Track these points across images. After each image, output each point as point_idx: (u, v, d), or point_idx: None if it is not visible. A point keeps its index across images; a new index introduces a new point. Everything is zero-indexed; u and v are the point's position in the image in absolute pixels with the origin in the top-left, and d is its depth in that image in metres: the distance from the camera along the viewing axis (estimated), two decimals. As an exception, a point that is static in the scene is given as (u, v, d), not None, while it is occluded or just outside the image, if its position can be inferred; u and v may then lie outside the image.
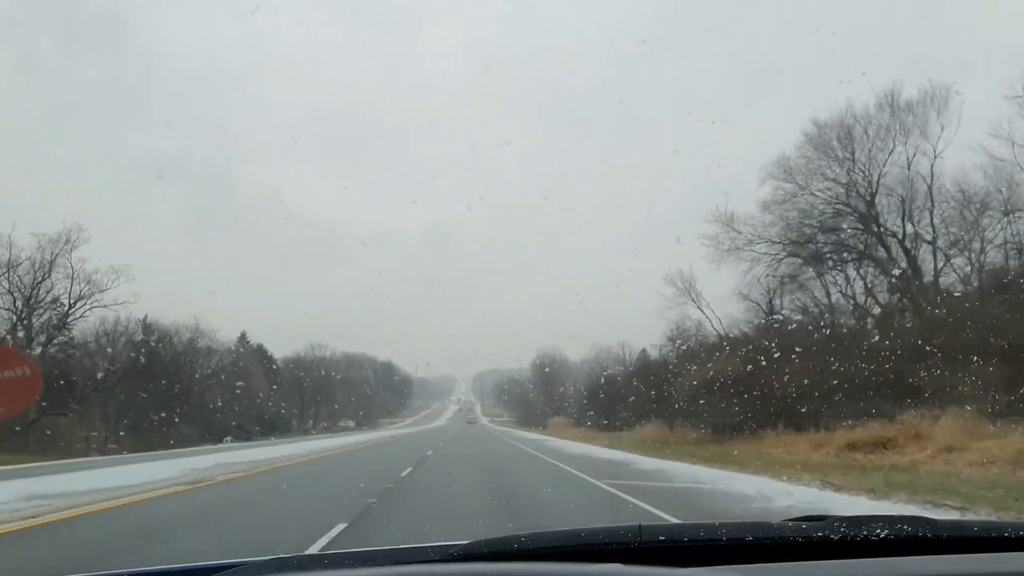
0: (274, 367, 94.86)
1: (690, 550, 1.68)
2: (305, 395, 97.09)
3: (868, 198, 34.99)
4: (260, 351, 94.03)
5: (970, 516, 9.86)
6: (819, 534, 1.71)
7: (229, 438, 59.27)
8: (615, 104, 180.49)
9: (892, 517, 1.79)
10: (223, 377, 70.44)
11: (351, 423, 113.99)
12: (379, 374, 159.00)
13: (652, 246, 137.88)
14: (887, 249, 34.82)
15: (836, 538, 1.70)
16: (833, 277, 37.32)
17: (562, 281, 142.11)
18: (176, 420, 44.03)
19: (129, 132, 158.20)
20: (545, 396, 79.26)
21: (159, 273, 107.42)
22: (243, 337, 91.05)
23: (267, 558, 1.71)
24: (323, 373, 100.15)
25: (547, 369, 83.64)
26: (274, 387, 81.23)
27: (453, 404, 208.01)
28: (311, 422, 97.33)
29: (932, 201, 33.46)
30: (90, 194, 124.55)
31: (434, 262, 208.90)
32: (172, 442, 41.35)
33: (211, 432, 57.59)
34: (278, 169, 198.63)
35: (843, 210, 35.87)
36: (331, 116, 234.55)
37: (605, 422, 49.23)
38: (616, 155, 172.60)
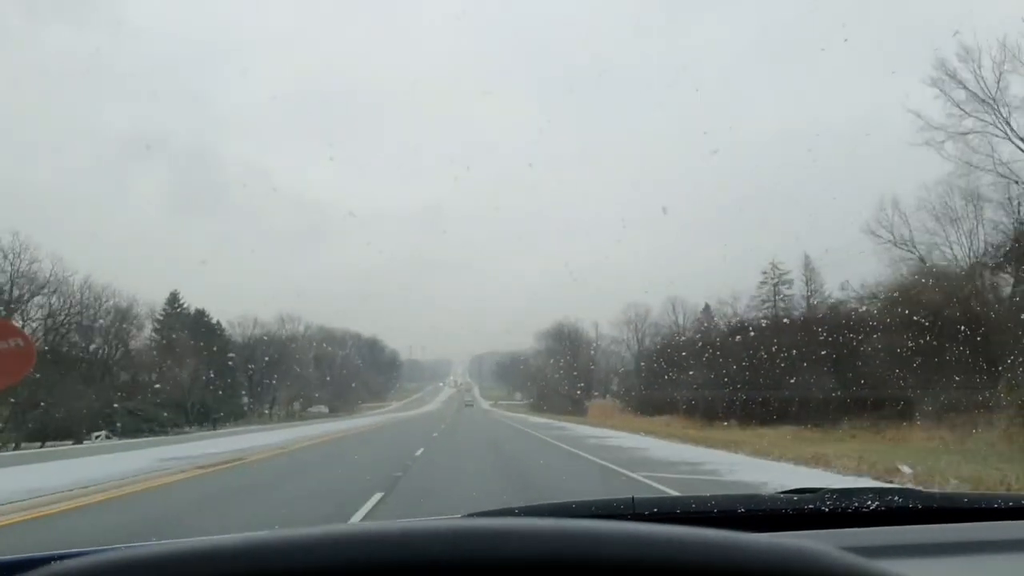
0: (218, 340, 74.63)
1: (682, 521, 1.50)
2: (256, 375, 76.97)
3: None
4: (200, 319, 73.79)
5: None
6: (810, 506, 1.70)
7: (102, 434, 39.22)
8: (610, 75, 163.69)
9: (883, 489, 1.79)
10: (103, 346, 50.40)
11: (324, 408, 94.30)
12: (363, 352, 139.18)
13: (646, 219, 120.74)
14: None
15: (827, 510, 1.68)
16: None
17: (558, 259, 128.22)
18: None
19: (106, 105, 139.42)
20: (572, 372, 59.30)
21: (141, 250, 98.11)
22: (174, 300, 70.61)
23: (262, 533, 1.28)
24: (271, 349, 79.96)
25: (568, 341, 63.54)
26: (204, 361, 61.22)
27: (449, 386, 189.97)
28: (238, 413, 76.73)
29: None
30: (67, 168, 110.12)
31: (427, 244, 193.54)
32: None
33: (71, 424, 37.73)
34: (263, 145, 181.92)
35: None
36: (318, 91, 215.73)
37: (716, 412, 28.41)
38: (610, 129, 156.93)
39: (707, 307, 55.53)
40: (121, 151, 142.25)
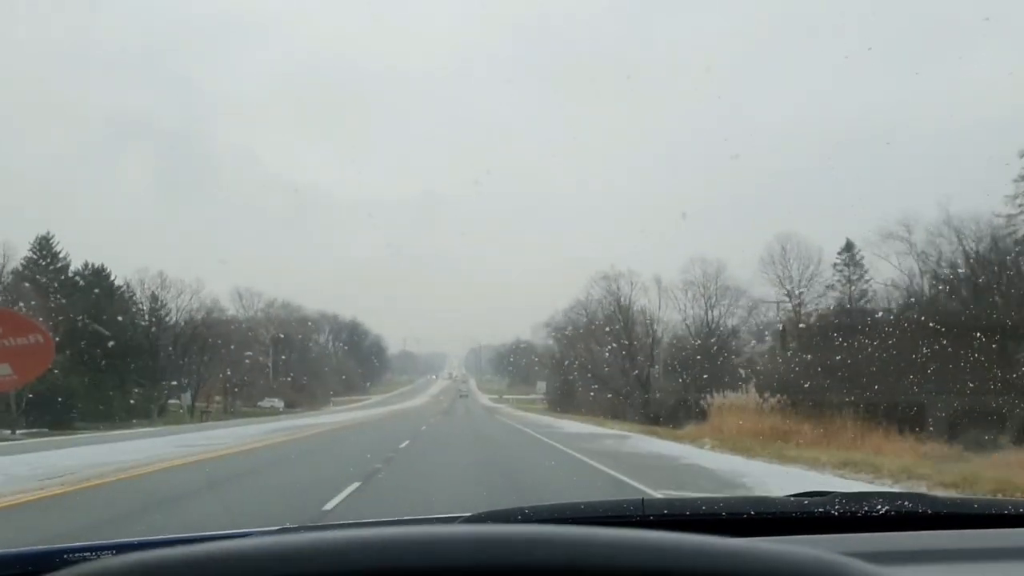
0: (121, 309, 53.92)
1: (692, 524, 1.65)
2: (177, 357, 56.19)
3: None
4: (97, 279, 53.02)
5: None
6: (820, 510, 1.70)
7: None
8: (616, 71, 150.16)
9: (893, 493, 1.79)
10: None
11: (277, 402, 73.90)
12: (342, 337, 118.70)
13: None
14: None
15: (837, 513, 1.67)
16: None
17: (559, 252, 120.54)
18: None
19: (94, 87, 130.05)
20: (630, 349, 37.94)
21: (131, 235, 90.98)
22: (44, 246, 49.68)
23: (273, 528, 1.70)
24: (210, 327, 58.85)
25: (616, 304, 42.07)
26: (85, 335, 40.46)
27: (443, 378, 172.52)
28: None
29: None
30: (52, 151, 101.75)
31: (423, 234, 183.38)
32: None
33: None
34: (254, 129, 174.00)
35: None
36: (316, 75, 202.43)
37: None
38: (616, 123, 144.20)
39: (849, 245, 35.13)
40: (104, 132, 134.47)
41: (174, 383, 58.19)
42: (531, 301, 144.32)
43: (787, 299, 37.23)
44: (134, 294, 57.86)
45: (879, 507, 1.67)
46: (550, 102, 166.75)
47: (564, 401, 51.24)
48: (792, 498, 1.82)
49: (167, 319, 59.63)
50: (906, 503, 1.71)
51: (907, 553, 1.45)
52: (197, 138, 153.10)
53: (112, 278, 55.44)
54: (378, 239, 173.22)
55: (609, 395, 37.31)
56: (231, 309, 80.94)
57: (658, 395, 33.21)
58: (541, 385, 46.95)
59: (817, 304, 36.08)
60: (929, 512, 1.69)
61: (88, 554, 1.56)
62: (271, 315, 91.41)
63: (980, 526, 1.64)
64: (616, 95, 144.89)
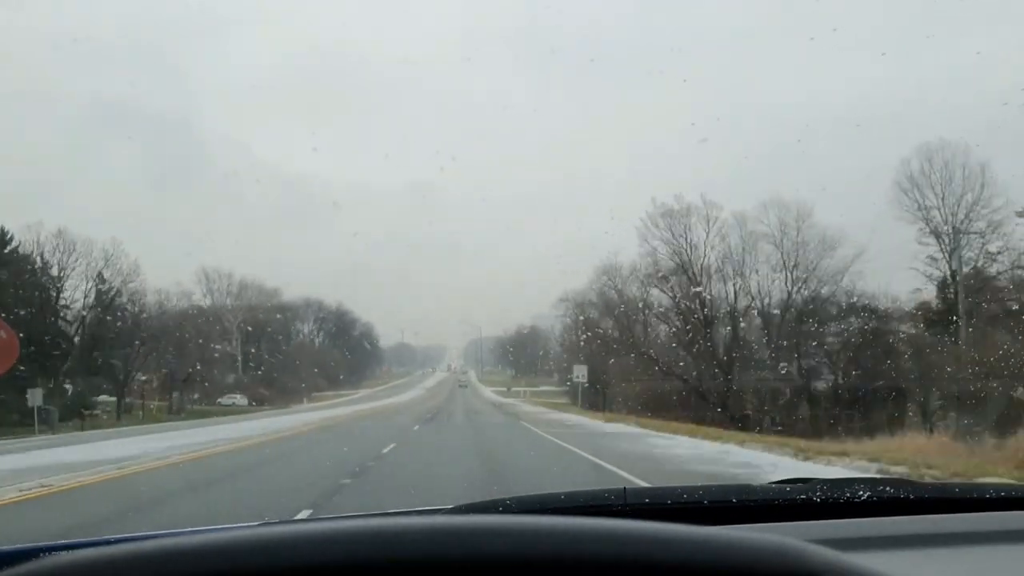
0: (27, 279, 42.04)
1: (674, 513, 1.66)
2: (101, 345, 44.16)
3: None
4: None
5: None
6: (802, 496, 1.70)
7: None
8: (610, 51, 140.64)
9: (875, 479, 1.78)
10: None
11: (239, 399, 62.27)
12: (328, 327, 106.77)
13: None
14: None
15: (819, 500, 1.68)
16: None
17: (559, 244, 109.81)
18: None
19: (80, 78, 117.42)
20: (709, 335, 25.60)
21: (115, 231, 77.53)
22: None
23: (254, 524, 1.65)
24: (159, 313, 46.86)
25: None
26: None
27: (441, 371, 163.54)
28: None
29: None
30: (37, 144, 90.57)
31: (420, 226, 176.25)
32: None
33: None
34: (243, 120, 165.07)
35: None
36: (304, 65, 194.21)
37: None
38: (610, 108, 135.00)
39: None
40: (83, 115, 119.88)
41: (135, 380, 46.94)
42: (532, 292, 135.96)
43: (933, 239, 25.84)
44: (48, 264, 45.88)
45: (860, 493, 1.66)
46: (548, 90, 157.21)
47: (596, 395, 39.37)
48: (774, 485, 1.80)
49: (116, 300, 47.72)
50: (888, 488, 1.70)
51: (888, 538, 1.44)
52: (180, 124, 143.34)
53: (15, 244, 43.60)
54: (375, 229, 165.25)
55: (699, 390, 25.23)
56: (196, 293, 69.61)
57: (818, 394, 21.18)
58: (580, 370, 34.68)
59: (983, 244, 24.75)
60: (911, 497, 1.68)
61: (43, 554, 1.42)
62: (242, 300, 79.82)
63: (961, 510, 1.62)
64: (600, 86, 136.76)
